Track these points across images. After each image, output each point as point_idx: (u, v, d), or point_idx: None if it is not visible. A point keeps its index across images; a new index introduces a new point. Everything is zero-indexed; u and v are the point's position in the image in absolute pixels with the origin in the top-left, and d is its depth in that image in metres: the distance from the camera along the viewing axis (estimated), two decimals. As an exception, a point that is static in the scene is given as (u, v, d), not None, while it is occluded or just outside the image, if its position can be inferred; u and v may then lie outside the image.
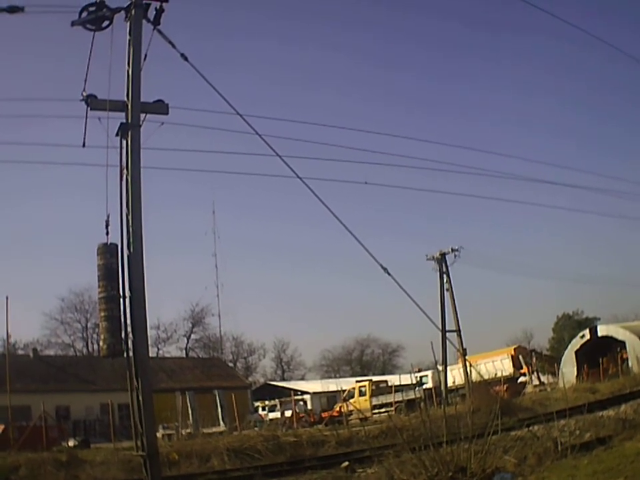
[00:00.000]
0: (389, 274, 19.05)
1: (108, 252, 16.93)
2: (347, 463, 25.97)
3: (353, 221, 20.04)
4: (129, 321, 16.92)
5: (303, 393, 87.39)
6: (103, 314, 16.85)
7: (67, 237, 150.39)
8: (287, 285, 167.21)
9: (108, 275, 16.84)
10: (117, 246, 17.04)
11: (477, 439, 17.22)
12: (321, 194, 18.71)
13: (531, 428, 22.94)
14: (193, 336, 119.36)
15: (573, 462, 16.94)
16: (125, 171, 17.36)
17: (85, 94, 17.91)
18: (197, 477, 27.52)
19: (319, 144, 30.50)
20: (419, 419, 21.94)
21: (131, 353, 16.96)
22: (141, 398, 16.53)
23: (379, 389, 67.59)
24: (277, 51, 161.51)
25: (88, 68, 18.41)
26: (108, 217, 17.12)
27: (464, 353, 61.86)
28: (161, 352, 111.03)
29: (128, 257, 16.94)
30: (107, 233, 17.14)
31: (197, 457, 31.23)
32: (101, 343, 17.26)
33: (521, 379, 69.30)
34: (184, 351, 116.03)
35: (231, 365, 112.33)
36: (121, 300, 16.86)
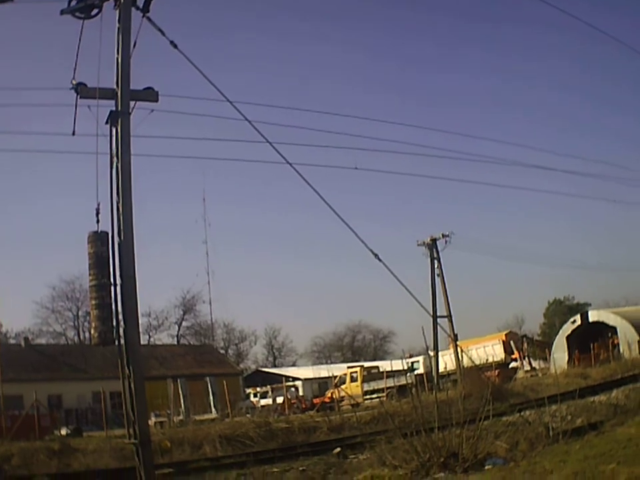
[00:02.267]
0: (379, 260, 19.01)
1: (98, 240, 16.87)
2: (338, 449, 26.10)
3: (343, 206, 19.95)
4: (120, 309, 16.89)
5: (295, 379, 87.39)
6: (93, 302, 16.79)
7: (57, 226, 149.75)
8: (278, 272, 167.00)
9: (99, 263, 16.78)
10: (107, 234, 16.97)
11: (469, 425, 17.30)
12: (311, 180, 18.67)
13: (522, 413, 23.05)
14: (184, 323, 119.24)
15: (564, 447, 17.01)
16: (115, 158, 17.32)
17: (74, 82, 17.83)
18: (190, 464, 27.57)
19: (309, 130, 30.51)
20: (410, 405, 22.06)
21: (122, 341, 16.93)
22: (132, 386, 16.51)
23: (371, 375, 67.53)
24: (270, 44, 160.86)
25: (77, 56, 18.30)
26: (98, 205, 17.02)
27: (455, 339, 61.99)
28: (152, 339, 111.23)
29: (119, 244, 16.89)
30: (98, 221, 17.05)
31: (189, 444, 31.33)
32: (92, 331, 17.17)
33: (512, 364, 69.51)
34: (175, 338, 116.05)
35: (222, 351, 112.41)
36: (112, 288, 16.84)
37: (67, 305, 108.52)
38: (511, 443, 18.32)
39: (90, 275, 16.94)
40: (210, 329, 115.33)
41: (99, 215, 17.07)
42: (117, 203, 16.99)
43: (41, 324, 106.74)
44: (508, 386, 47.55)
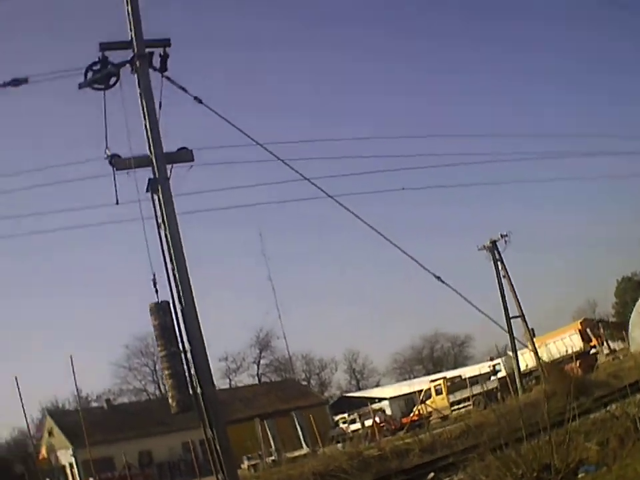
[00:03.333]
0: (442, 282, 18.89)
1: (160, 310, 16.82)
2: (432, 474, 25.92)
3: (392, 226, 19.97)
4: (193, 371, 16.92)
5: (380, 399, 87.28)
6: (167, 372, 16.80)
7: (122, 290, 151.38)
8: (347, 292, 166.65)
9: (165, 333, 16.73)
10: (168, 303, 16.95)
11: (557, 429, 17.06)
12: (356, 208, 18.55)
13: (608, 408, 22.58)
14: (262, 361, 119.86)
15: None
16: (161, 225, 17.24)
17: (108, 153, 17.66)
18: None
19: (351, 158, 30.42)
20: (497, 413, 21.82)
21: (201, 404, 16.95)
22: (218, 447, 16.45)
23: (454, 385, 67.01)
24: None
25: (106, 127, 18.20)
26: (154, 275, 16.98)
27: (532, 336, 61.53)
28: (233, 382, 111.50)
29: (181, 310, 16.92)
30: (156, 291, 16.99)
31: (284, 485, 31.34)
32: (170, 401, 17.22)
33: (592, 351, 68.56)
34: (256, 378, 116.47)
35: (304, 383, 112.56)
36: (182, 355, 16.83)
37: (143, 361, 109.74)
38: (600, 442, 17.97)
39: (158, 345, 16.94)
40: (289, 362, 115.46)
41: (157, 285, 17.10)
42: (172, 270, 16.99)
43: (121, 383, 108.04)
44: (590, 376, 47.05)
